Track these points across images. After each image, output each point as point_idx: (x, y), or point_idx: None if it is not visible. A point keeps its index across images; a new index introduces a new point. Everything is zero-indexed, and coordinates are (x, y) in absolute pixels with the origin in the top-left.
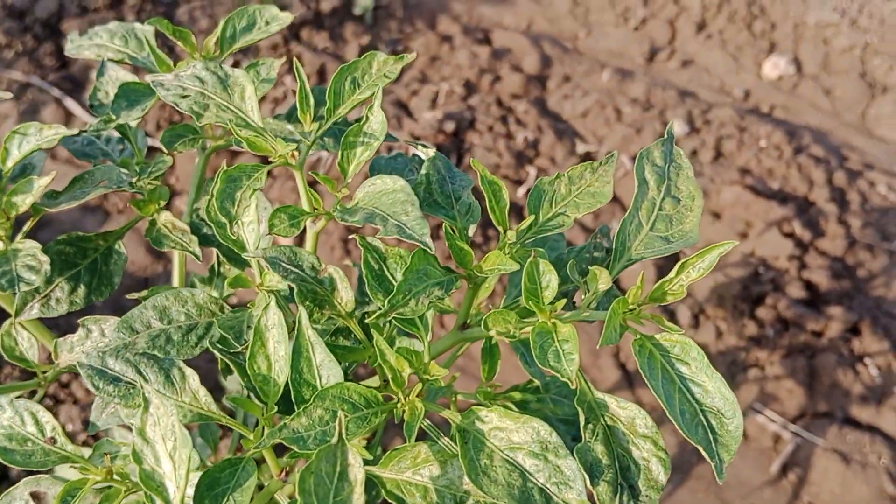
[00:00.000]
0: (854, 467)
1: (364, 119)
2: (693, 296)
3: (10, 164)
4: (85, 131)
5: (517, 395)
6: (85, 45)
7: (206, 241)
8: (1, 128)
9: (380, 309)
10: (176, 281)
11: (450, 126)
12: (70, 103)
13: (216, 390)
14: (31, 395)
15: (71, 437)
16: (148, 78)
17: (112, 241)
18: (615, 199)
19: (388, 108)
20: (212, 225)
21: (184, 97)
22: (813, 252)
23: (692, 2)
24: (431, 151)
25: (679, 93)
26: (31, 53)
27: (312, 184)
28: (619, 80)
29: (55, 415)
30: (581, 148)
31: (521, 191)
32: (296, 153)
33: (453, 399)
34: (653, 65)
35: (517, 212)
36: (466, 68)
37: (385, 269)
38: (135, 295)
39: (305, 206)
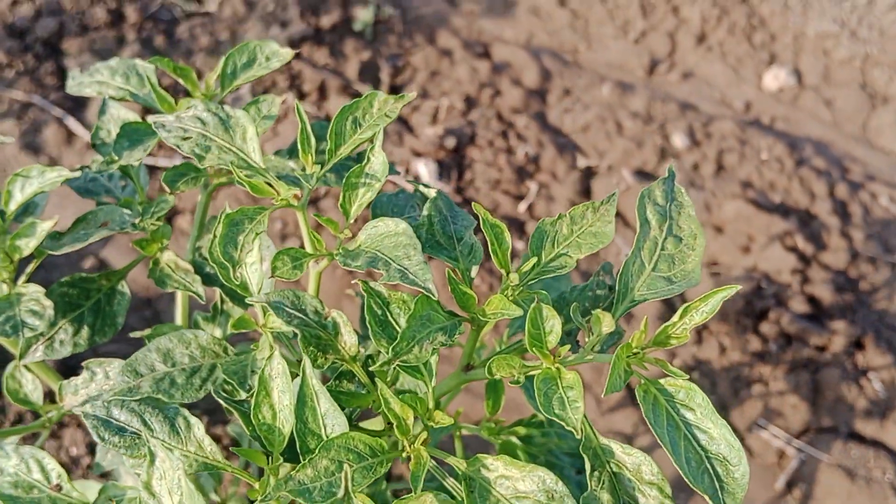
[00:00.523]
0: (859, 482)
1: (366, 160)
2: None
3: (12, 206)
4: (88, 167)
5: (521, 430)
6: (86, 82)
7: (209, 280)
8: (3, 147)
9: (384, 356)
10: (179, 318)
11: (450, 142)
12: (71, 122)
13: (220, 421)
14: (34, 435)
15: (75, 461)
16: (150, 119)
17: (115, 281)
18: (617, 213)
19: (389, 125)
20: (214, 266)
21: (185, 139)
22: (815, 266)
23: (692, 14)
24: (433, 191)
25: (680, 105)
26: (32, 73)
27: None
28: (619, 93)
29: (59, 447)
30: (582, 162)
31: (523, 206)
32: (298, 194)
33: (458, 434)
34: (653, 77)
35: (518, 227)
36: (466, 83)
37: (388, 314)
38: (137, 333)
39: (308, 248)
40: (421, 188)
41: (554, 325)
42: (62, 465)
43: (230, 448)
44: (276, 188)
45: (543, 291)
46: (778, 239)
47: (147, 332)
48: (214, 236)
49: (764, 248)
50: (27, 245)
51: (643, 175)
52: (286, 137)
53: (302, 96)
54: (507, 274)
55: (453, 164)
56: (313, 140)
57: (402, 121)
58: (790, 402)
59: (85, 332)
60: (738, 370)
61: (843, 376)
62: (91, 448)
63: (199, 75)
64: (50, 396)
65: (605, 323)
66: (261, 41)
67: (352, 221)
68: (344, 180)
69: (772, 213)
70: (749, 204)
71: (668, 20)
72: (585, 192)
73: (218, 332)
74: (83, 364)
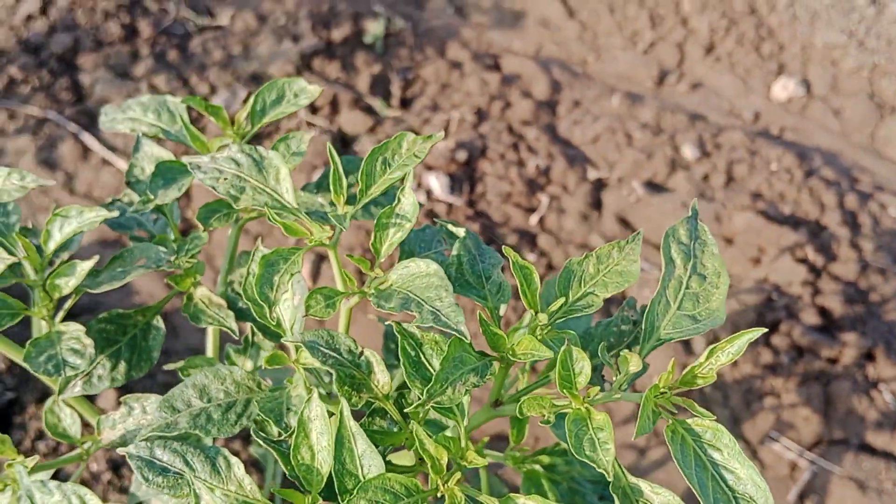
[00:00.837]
0: (870, 495)
1: (396, 201)
2: None
3: (52, 246)
4: (120, 199)
5: (545, 459)
6: (118, 118)
7: (241, 315)
8: (20, 163)
9: (418, 398)
10: (210, 350)
11: (462, 155)
12: (87, 137)
13: (239, 437)
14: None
15: (95, 476)
16: (185, 159)
17: (150, 316)
18: (627, 224)
19: None
20: (248, 303)
21: (221, 180)
22: (826, 277)
23: (700, 24)
24: (462, 231)
25: (689, 116)
26: (48, 88)
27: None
28: (628, 104)
29: (94, 475)
30: (592, 174)
31: (534, 219)
32: (330, 234)
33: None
34: (662, 88)
35: (530, 240)
36: (477, 95)
37: (422, 355)
38: (171, 366)
39: (340, 286)
40: (450, 227)
41: (584, 366)
42: (101, 498)
43: (254, 466)
44: (310, 228)
45: (572, 331)
46: (788, 251)
47: (181, 364)
48: (250, 274)
49: (774, 259)
50: (67, 284)
51: (654, 187)
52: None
53: (314, 110)
54: (537, 314)
55: (465, 177)
56: (345, 182)
57: (414, 134)
58: (802, 415)
59: (122, 367)
60: (749, 383)
61: (854, 388)
62: (114, 467)
63: (213, 90)
64: (86, 427)
65: (633, 363)
66: (289, 78)
67: (382, 260)
68: (376, 220)
69: (782, 224)
70: (759, 215)
71: (677, 31)
72: (596, 205)
73: (249, 364)
74: (121, 399)
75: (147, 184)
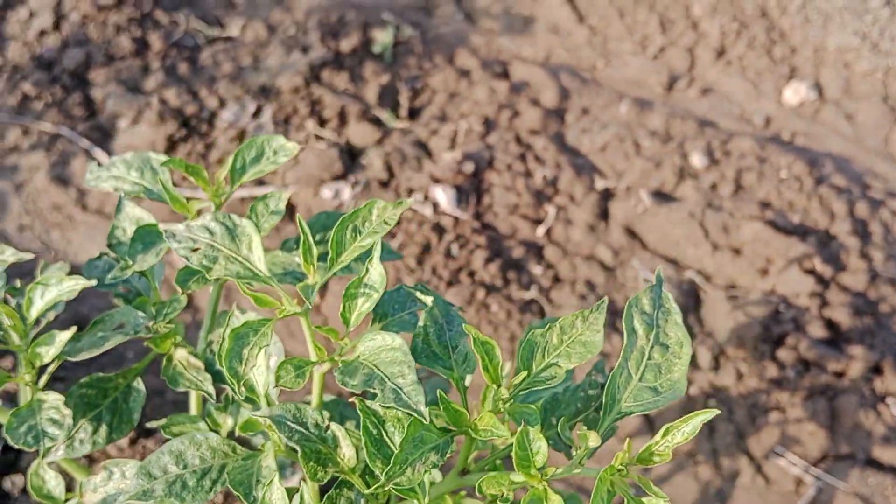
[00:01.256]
0: None
1: (364, 272)
2: (713, 337)
3: (34, 314)
4: (106, 254)
5: None
6: (103, 176)
7: (219, 378)
8: (33, 179)
9: (378, 480)
10: (193, 407)
11: (469, 167)
12: (99, 153)
13: None
14: None
15: None
16: (161, 227)
17: (130, 378)
18: (634, 235)
19: (408, 150)
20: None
21: (194, 250)
22: (834, 288)
23: (711, 28)
24: (429, 299)
25: (698, 123)
26: (60, 104)
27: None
28: (637, 111)
29: None
30: (600, 184)
31: (541, 230)
32: (302, 300)
33: None
34: (672, 93)
35: (536, 252)
36: (485, 104)
37: (384, 432)
38: (153, 424)
39: (313, 355)
40: (418, 294)
41: (541, 446)
42: None
43: None
44: (279, 298)
45: (532, 406)
46: (796, 262)
47: (162, 422)
48: (221, 348)
49: (782, 270)
50: (48, 353)
51: (661, 196)
52: (307, 164)
53: (322, 122)
54: (498, 388)
55: (472, 189)
56: (315, 251)
57: (422, 145)
58: (807, 429)
59: (103, 430)
60: (755, 397)
61: (861, 402)
62: None
63: (222, 103)
64: (70, 486)
65: (592, 439)
66: (268, 136)
67: (351, 329)
68: (345, 291)
69: (790, 234)
70: (767, 225)
71: (688, 35)
72: (603, 215)
73: (230, 422)
74: (101, 464)
75: (128, 246)
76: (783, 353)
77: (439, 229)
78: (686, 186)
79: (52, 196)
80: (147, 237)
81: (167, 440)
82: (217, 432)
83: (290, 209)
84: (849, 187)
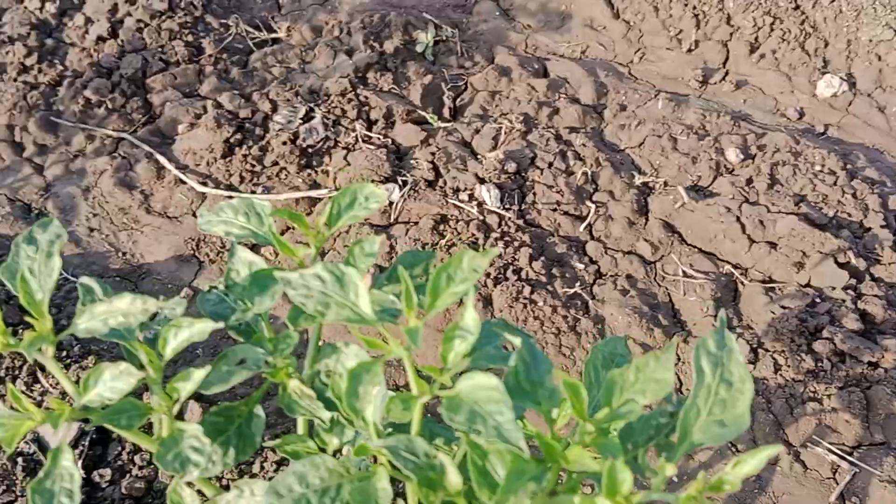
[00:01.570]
0: None
1: (461, 317)
2: (753, 329)
3: (169, 353)
4: (215, 287)
5: None
6: (213, 220)
7: (330, 405)
8: (99, 183)
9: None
10: (300, 427)
11: (511, 166)
12: (160, 157)
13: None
14: None
15: None
16: (276, 275)
17: (252, 405)
18: (673, 230)
19: (452, 150)
20: (336, 399)
21: (309, 297)
22: (868, 281)
23: (745, 22)
24: (518, 340)
25: (733, 118)
26: (121, 109)
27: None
28: (673, 106)
29: None
30: (639, 179)
31: (583, 227)
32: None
33: None
34: (706, 87)
35: (579, 248)
36: (525, 102)
37: (487, 463)
38: (270, 443)
39: (415, 390)
40: (507, 336)
41: (626, 477)
42: None
43: None
44: (387, 339)
45: (616, 441)
46: (831, 255)
47: (278, 442)
48: (334, 384)
49: (817, 264)
50: (185, 388)
51: (699, 191)
52: (357, 166)
53: (370, 125)
54: (585, 422)
55: (515, 187)
56: (415, 299)
57: (466, 144)
58: (843, 419)
59: (231, 452)
60: (792, 388)
61: (894, 392)
62: None
63: (274, 107)
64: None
65: (669, 469)
66: (360, 185)
67: (450, 367)
68: (444, 334)
69: (824, 228)
70: (802, 220)
71: (722, 29)
72: (642, 211)
73: (336, 441)
74: (233, 484)
75: (243, 288)
76: (819, 346)
77: (485, 227)
78: (722, 181)
79: (117, 199)
80: (262, 281)
81: (265, 459)
82: (324, 450)
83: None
84: (882, 179)
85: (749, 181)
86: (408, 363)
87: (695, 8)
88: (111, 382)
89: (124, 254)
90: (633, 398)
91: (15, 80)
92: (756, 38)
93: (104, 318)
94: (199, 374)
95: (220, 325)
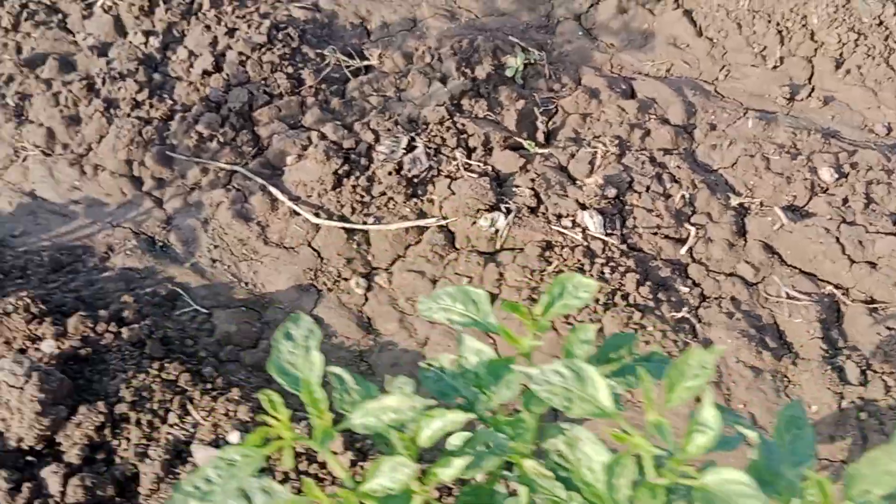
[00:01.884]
0: None
1: (699, 411)
2: (859, 350)
3: (424, 441)
4: (431, 365)
5: None
6: (434, 308)
7: (567, 483)
8: (216, 215)
9: None
10: (523, 499)
11: (611, 191)
12: (273, 189)
13: None
14: None
15: None
16: (517, 369)
17: (492, 483)
18: (772, 251)
19: (551, 175)
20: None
21: (553, 393)
22: None
23: (829, 38)
24: (754, 435)
25: (823, 135)
26: (231, 143)
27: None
28: (763, 125)
29: None
30: (734, 200)
31: (683, 250)
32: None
33: None
34: (793, 104)
35: (682, 271)
36: (616, 124)
37: None
38: None
39: (655, 478)
40: (743, 431)
41: None
42: None
43: None
44: (629, 431)
45: None
46: None
47: None
48: (591, 473)
49: None
50: (444, 474)
51: (795, 211)
52: (461, 194)
53: (470, 153)
54: None
55: (615, 212)
56: (652, 395)
57: (563, 169)
58: None
59: None
60: None
61: None
62: None
63: (377, 136)
64: None
65: None
66: (568, 276)
67: (692, 453)
68: (688, 428)
69: None
70: None
71: (806, 45)
72: (741, 233)
73: None
74: None
75: (476, 376)
76: None
77: (590, 253)
78: (818, 201)
79: (235, 231)
80: (496, 371)
81: None
82: None
83: (452, 236)
84: None
85: (845, 201)
86: (647, 458)
87: (778, 24)
88: (390, 473)
89: (246, 284)
90: (870, 489)
91: (129, 115)
92: (840, 54)
93: (377, 415)
94: (459, 463)
95: (472, 416)
